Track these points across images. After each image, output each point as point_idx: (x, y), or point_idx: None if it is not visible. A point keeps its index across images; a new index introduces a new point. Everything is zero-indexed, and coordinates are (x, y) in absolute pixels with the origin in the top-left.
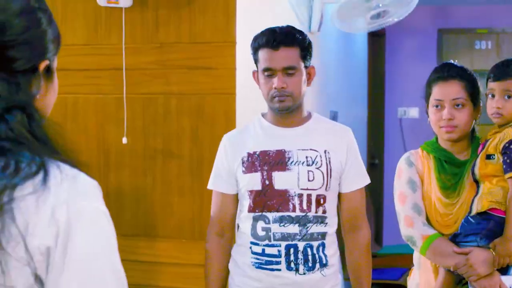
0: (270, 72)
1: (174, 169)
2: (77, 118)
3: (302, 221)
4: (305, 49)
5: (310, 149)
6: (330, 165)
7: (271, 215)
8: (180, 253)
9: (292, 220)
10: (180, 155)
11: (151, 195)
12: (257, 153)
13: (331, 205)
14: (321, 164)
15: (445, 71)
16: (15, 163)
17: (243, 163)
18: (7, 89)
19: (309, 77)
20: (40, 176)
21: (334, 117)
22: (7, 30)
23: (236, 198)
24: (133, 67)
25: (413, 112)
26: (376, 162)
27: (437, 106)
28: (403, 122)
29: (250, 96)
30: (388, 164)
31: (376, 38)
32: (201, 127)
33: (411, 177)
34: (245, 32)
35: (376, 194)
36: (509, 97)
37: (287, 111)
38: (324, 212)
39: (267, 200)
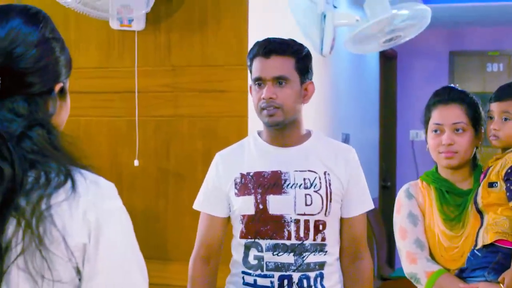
0: (260, 81)
1: (186, 192)
2: (89, 140)
3: (298, 250)
4: (302, 61)
5: (308, 171)
6: (330, 188)
7: (264, 243)
8: None
9: (286, 249)
10: (192, 177)
11: (163, 218)
12: (251, 174)
13: (331, 232)
14: (320, 186)
15: (446, 94)
16: (45, 174)
17: (235, 184)
18: (27, 110)
19: (306, 94)
20: (69, 184)
21: (346, 139)
22: (26, 60)
23: (225, 222)
24: (146, 90)
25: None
26: (388, 185)
27: (436, 131)
28: (415, 145)
29: None
30: (400, 186)
31: (388, 61)
32: (213, 149)
33: (411, 211)
34: None
35: (388, 217)
36: (506, 119)
37: (277, 126)
38: (323, 239)
39: (260, 226)
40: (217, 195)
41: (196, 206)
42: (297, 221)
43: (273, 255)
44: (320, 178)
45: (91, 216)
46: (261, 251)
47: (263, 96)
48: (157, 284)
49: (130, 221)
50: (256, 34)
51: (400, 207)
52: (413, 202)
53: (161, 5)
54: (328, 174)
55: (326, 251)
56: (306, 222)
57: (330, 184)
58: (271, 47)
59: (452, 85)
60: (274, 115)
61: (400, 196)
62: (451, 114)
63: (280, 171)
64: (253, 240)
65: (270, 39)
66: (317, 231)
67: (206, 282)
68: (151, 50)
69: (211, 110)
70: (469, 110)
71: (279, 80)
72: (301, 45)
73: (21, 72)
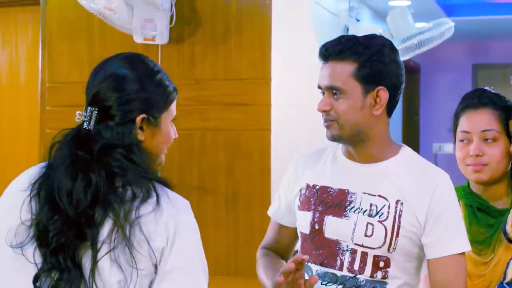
0: (320, 90)
1: (210, 204)
2: None
3: (348, 284)
4: (367, 65)
5: (379, 196)
6: (399, 220)
7: (315, 268)
8: None
9: (336, 280)
10: (215, 190)
11: None
12: (317, 187)
13: (399, 271)
14: (387, 217)
15: (475, 98)
16: (130, 188)
17: (300, 196)
18: (110, 135)
19: (375, 102)
20: (154, 198)
21: None
22: (106, 99)
23: (296, 233)
24: None
25: (449, 148)
26: None
27: (463, 140)
28: (438, 158)
29: (285, 132)
30: None
31: (411, 73)
32: (236, 162)
33: None
34: (280, 68)
35: None
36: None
37: (336, 141)
38: (384, 277)
39: (313, 248)
40: (287, 202)
41: (269, 211)
42: (353, 251)
43: (322, 283)
44: (389, 207)
45: (171, 226)
46: None
47: (317, 108)
48: None
49: (198, 233)
50: (279, 47)
51: None
52: None
53: (184, 19)
54: (402, 203)
55: None
56: (364, 254)
57: (400, 216)
58: (329, 50)
59: (484, 87)
60: (329, 128)
61: None
62: (480, 120)
63: (348, 190)
64: (306, 263)
65: (337, 38)
66: (376, 267)
67: (269, 256)
68: (174, 64)
69: (234, 123)
70: (502, 115)
71: (333, 91)
72: (372, 43)
73: (105, 108)
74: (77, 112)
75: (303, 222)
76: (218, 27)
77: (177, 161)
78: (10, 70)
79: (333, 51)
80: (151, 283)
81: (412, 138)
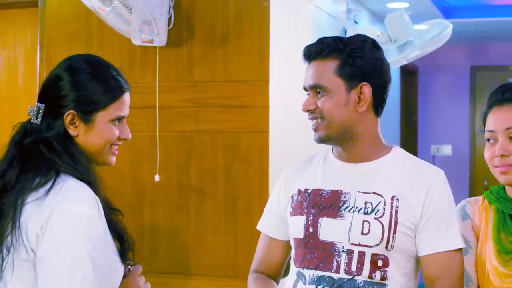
0: (306, 92)
1: (208, 207)
2: None
3: (345, 287)
4: (349, 61)
5: (373, 193)
6: (396, 216)
7: (308, 274)
8: None
9: (332, 283)
10: (213, 193)
11: (185, 233)
12: (309, 191)
13: (398, 271)
14: (383, 213)
15: (499, 94)
16: (33, 176)
17: (292, 202)
18: (44, 129)
19: (359, 99)
20: (47, 187)
21: None
22: (46, 96)
23: (287, 246)
24: (167, 105)
25: (447, 150)
26: None
27: (489, 140)
28: (436, 160)
29: (283, 134)
30: None
31: (409, 75)
32: (235, 165)
33: (463, 235)
34: (279, 71)
35: None
36: None
37: (326, 142)
38: (383, 278)
39: (307, 252)
40: (278, 214)
41: (258, 225)
42: (349, 252)
43: None
44: (385, 203)
45: (47, 213)
46: (305, 283)
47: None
48: None
49: (81, 223)
50: (278, 49)
51: None
52: (467, 224)
53: (183, 21)
54: (397, 199)
55: None
56: (361, 254)
57: (396, 212)
58: (311, 50)
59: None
60: (316, 130)
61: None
62: (505, 118)
63: (341, 190)
64: (299, 269)
65: (319, 39)
66: (374, 267)
67: (262, 277)
68: (172, 66)
69: (232, 125)
70: None
71: (317, 89)
72: (353, 40)
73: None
74: (29, 107)
75: (296, 227)
76: (217, 30)
77: (174, 164)
78: (9, 73)
79: (315, 50)
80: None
81: (410, 140)
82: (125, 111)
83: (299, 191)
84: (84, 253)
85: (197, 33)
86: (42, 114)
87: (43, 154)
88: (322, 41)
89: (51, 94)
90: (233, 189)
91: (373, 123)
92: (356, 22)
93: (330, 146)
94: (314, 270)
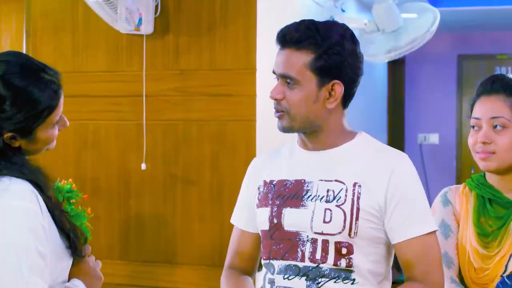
0: (275, 76)
1: (195, 196)
2: (97, 144)
3: (311, 275)
4: (324, 56)
5: (335, 180)
6: (357, 203)
7: (276, 264)
8: (201, 279)
9: (298, 272)
10: (200, 181)
11: (172, 222)
12: (274, 182)
13: (365, 259)
14: (344, 201)
15: (489, 84)
16: None
17: (259, 194)
18: None
19: (330, 95)
20: None
21: None
22: None
23: (259, 238)
24: (154, 94)
25: (433, 138)
26: None
27: (473, 127)
28: (423, 148)
29: (270, 123)
30: None
31: (396, 65)
32: (221, 154)
33: (444, 219)
34: (266, 59)
35: None
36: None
37: (289, 131)
38: (349, 265)
39: (273, 244)
40: (247, 206)
41: (231, 219)
42: (314, 241)
43: (284, 278)
44: (346, 190)
45: None
46: (273, 273)
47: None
48: None
49: (25, 217)
50: (264, 38)
51: (433, 213)
52: (448, 209)
53: (170, 9)
54: (359, 186)
55: (354, 280)
56: (325, 242)
57: (358, 199)
58: (286, 37)
59: (504, 73)
60: (280, 119)
61: (436, 201)
62: (490, 107)
63: (304, 180)
64: (268, 260)
65: (295, 23)
66: (339, 254)
67: (236, 275)
68: (159, 54)
69: (219, 114)
70: None
71: (287, 80)
72: (332, 34)
73: None
74: None
75: (262, 219)
76: (203, 18)
77: (161, 152)
78: None
79: (290, 38)
80: None
81: (397, 129)
82: (61, 110)
83: (265, 183)
84: (29, 245)
85: (183, 21)
86: None
87: None
88: (298, 28)
89: None
90: (220, 178)
91: (339, 116)
92: (343, 11)
93: (296, 136)
94: (281, 260)
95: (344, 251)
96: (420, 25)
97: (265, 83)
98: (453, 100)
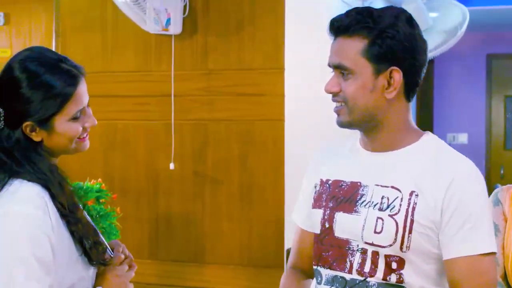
0: (330, 68)
1: (223, 195)
2: (126, 144)
3: None
4: (379, 41)
5: (391, 187)
6: (412, 214)
7: (324, 273)
8: (229, 279)
9: (344, 284)
10: (228, 181)
11: (200, 221)
12: (330, 182)
13: (418, 274)
14: (398, 211)
15: None
16: None
17: (314, 192)
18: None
19: (388, 85)
20: None
21: None
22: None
23: None
24: (182, 94)
25: (462, 138)
26: None
27: None
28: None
29: (299, 122)
30: None
31: None
32: (250, 153)
33: (492, 219)
34: (294, 59)
35: None
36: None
37: (348, 127)
38: (400, 281)
39: (323, 250)
40: (306, 203)
41: (292, 215)
42: (363, 251)
43: None
44: (402, 199)
45: None
46: (320, 283)
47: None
48: (194, 287)
49: (25, 224)
50: (292, 37)
51: None
52: (498, 209)
53: (198, 10)
54: (416, 195)
55: None
56: (375, 254)
57: (413, 209)
58: (337, 24)
59: None
60: (338, 114)
61: (488, 201)
62: None
63: (360, 183)
64: (316, 266)
65: (348, 11)
66: (389, 269)
67: (294, 279)
68: (187, 54)
69: (247, 113)
70: None
71: (341, 70)
72: (385, 16)
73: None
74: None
75: (315, 221)
76: (231, 17)
77: (189, 152)
78: None
79: (341, 25)
80: None
81: (426, 128)
82: (84, 102)
83: (321, 182)
84: (27, 253)
85: (212, 21)
86: (3, 118)
87: (3, 161)
88: (349, 14)
89: (8, 100)
90: (248, 177)
91: (402, 109)
92: None
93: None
94: (328, 269)
95: (394, 265)
96: (450, 25)
97: (293, 82)
98: (482, 99)
